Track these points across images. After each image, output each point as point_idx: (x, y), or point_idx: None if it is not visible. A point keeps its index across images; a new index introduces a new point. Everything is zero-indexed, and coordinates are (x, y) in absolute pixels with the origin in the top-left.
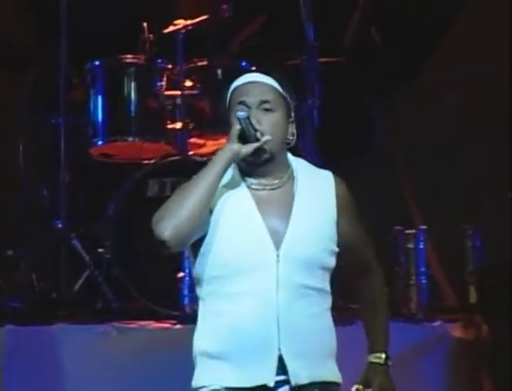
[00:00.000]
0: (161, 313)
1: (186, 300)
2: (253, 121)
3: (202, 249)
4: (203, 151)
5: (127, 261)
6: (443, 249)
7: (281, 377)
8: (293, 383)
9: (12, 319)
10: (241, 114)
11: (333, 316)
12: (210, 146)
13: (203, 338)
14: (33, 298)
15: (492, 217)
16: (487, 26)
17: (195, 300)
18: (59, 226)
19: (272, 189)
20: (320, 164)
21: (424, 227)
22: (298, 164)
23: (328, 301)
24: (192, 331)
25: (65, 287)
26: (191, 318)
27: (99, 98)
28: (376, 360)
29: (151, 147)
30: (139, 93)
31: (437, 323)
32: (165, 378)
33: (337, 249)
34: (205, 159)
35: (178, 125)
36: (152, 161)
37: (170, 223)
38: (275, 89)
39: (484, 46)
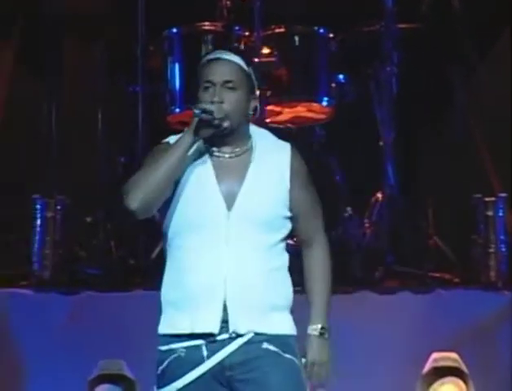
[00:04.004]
0: None
1: None
2: (212, 108)
3: (166, 209)
4: (280, 118)
5: None
6: None
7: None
8: (230, 330)
9: (90, 286)
10: (197, 112)
11: (411, 286)
12: (287, 113)
13: (164, 287)
14: (111, 265)
15: None
16: None
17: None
18: None
19: (231, 157)
20: (395, 133)
21: (504, 195)
22: (259, 136)
23: (281, 259)
24: None
25: (143, 254)
26: None
27: (177, 66)
28: (310, 332)
29: None
30: None
31: None
32: None
33: (289, 214)
34: (281, 126)
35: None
36: None
37: (137, 196)
38: (240, 67)
39: None
